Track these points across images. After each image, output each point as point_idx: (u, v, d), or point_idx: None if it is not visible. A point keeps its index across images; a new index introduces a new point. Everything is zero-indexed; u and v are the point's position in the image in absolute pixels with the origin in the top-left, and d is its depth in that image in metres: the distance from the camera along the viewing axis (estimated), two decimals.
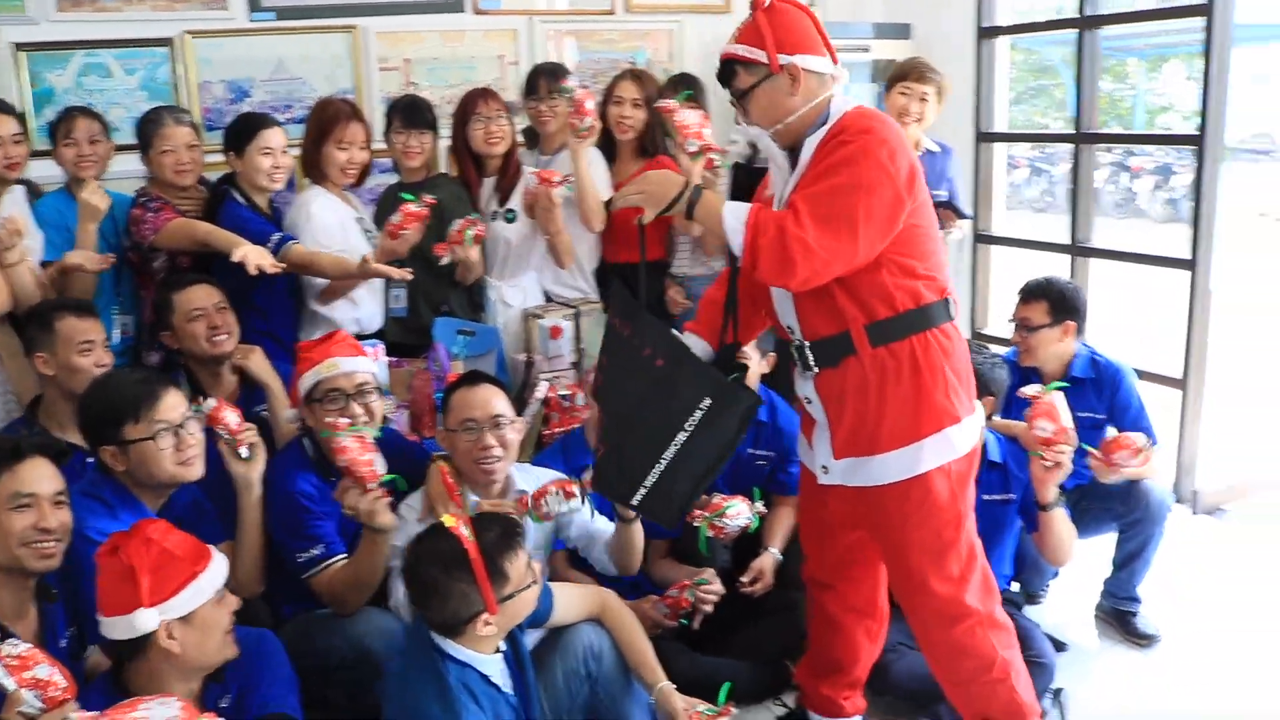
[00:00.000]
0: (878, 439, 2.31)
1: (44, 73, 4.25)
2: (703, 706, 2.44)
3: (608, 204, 3.61)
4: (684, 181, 2.24)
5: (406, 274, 3.26)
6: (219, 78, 4.51)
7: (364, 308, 3.60)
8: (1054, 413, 2.78)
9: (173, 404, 2.51)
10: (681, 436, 2.24)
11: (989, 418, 2.96)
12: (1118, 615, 3.34)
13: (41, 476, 2.20)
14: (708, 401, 2.22)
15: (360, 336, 3.49)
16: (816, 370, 2.35)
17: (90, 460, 2.58)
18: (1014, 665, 2.49)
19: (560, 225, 3.59)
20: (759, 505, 2.80)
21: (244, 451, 2.60)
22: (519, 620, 2.29)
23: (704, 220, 2.22)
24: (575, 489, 2.56)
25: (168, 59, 4.42)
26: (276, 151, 3.50)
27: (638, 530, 2.69)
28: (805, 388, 2.42)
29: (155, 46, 4.40)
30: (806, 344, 2.34)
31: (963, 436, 2.35)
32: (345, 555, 2.61)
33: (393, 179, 3.92)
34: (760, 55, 2.24)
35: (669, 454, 2.25)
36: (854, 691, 2.80)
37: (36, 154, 3.63)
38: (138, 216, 3.34)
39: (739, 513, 2.75)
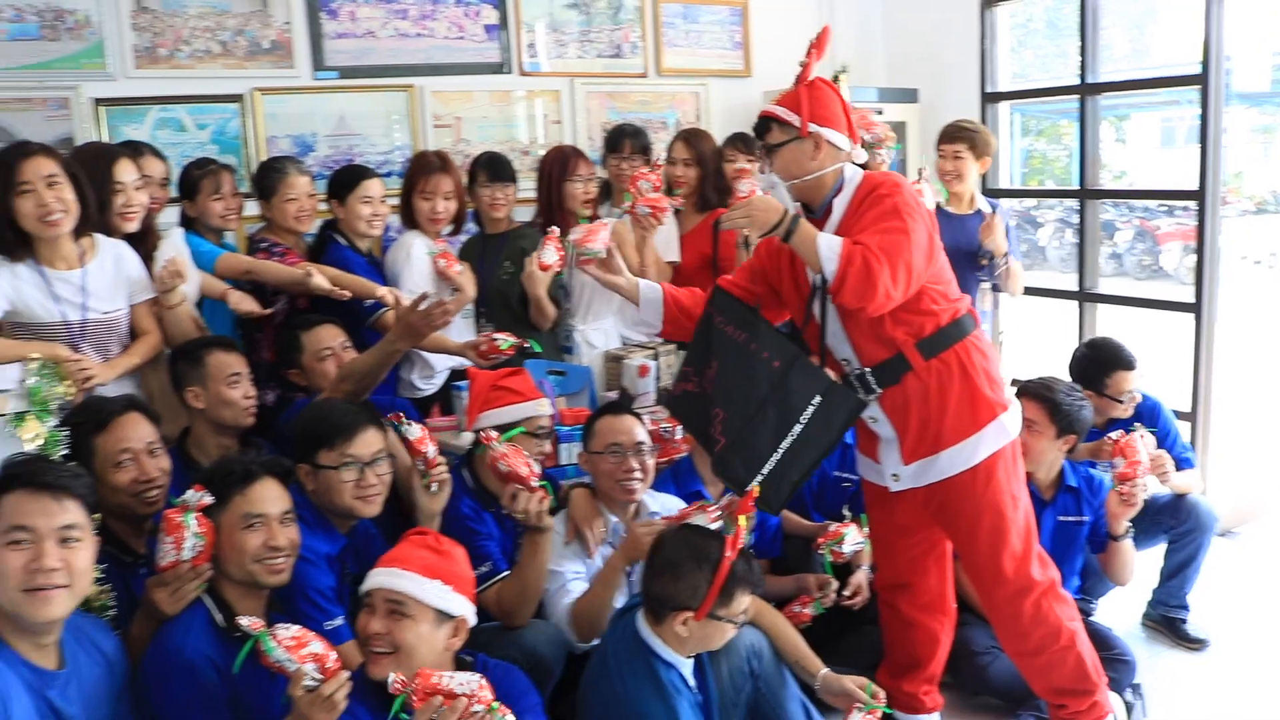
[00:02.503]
0: (941, 437, 2.69)
1: (121, 126, 4.46)
2: (868, 685, 2.75)
3: (714, 228, 3.86)
4: (784, 210, 2.58)
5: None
6: (284, 132, 4.76)
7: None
8: (1130, 450, 3.13)
9: (368, 441, 2.69)
10: (797, 429, 2.58)
11: (1070, 451, 3.31)
12: (1167, 622, 3.67)
13: (270, 497, 2.38)
14: (818, 399, 2.57)
15: (456, 375, 3.75)
16: (879, 391, 2.69)
17: None
18: (1079, 635, 2.82)
19: (651, 257, 3.85)
20: (865, 530, 3.13)
21: (434, 487, 2.78)
22: (705, 646, 2.51)
23: (800, 246, 2.56)
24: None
25: (238, 114, 4.66)
26: (375, 200, 3.75)
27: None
28: (869, 409, 2.74)
29: (226, 103, 4.64)
30: (866, 370, 2.69)
31: (1012, 421, 2.76)
32: (509, 572, 2.83)
33: None
34: (794, 119, 2.65)
35: (785, 444, 2.59)
36: (932, 687, 3.09)
37: None
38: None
39: (854, 539, 3.18)
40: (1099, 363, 3.70)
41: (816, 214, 2.72)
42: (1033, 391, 3.27)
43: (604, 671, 2.52)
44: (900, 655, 3.04)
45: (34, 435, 2.20)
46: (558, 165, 3.99)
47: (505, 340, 3.41)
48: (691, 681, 2.54)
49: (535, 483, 2.72)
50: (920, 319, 2.66)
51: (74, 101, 4.35)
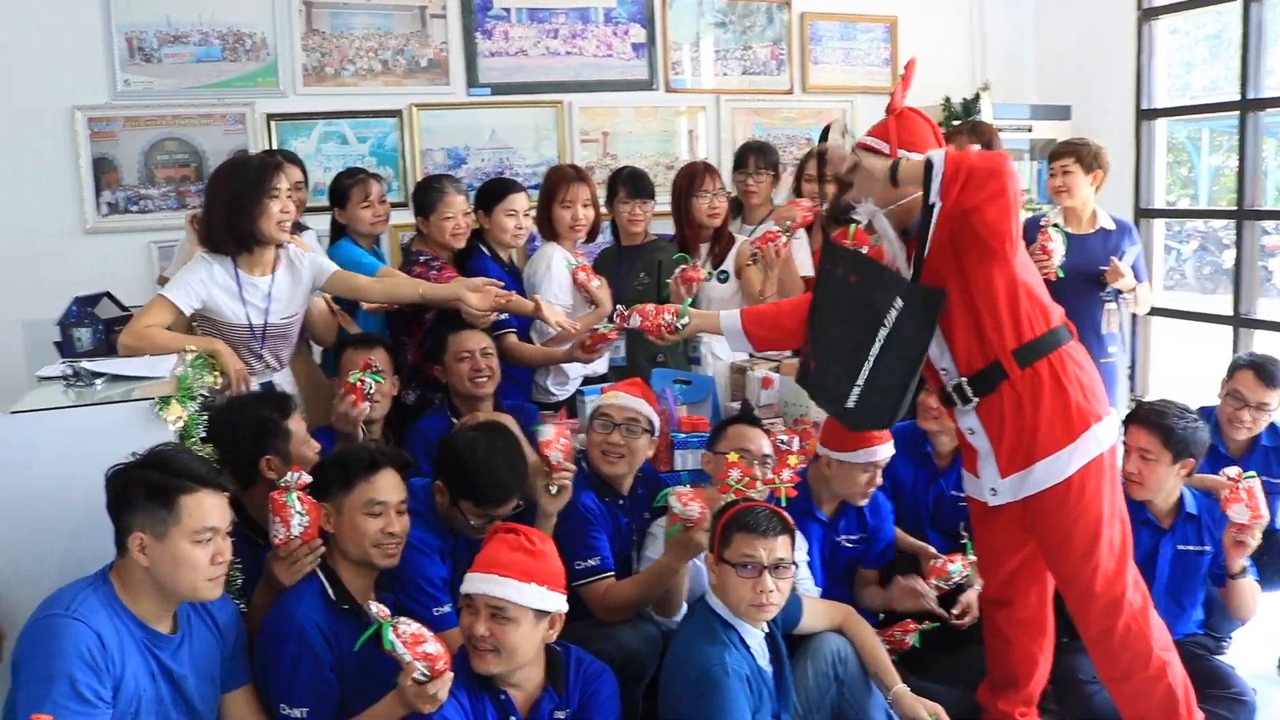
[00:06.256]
0: (1035, 448, 2.68)
1: (290, 139, 4.78)
2: (934, 716, 2.75)
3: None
4: (884, 166, 2.63)
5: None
6: (439, 145, 5.02)
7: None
8: (1253, 500, 3.04)
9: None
10: (882, 333, 2.59)
11: (1188, 475, 3.23)
12: None
13: (391, 486, 2.57)
14: (899, 301, 2.58)
15: (588, 380, 3.90)
16: (976, 400, 2.71)
17: None
18: (1171, 666, 2.76)
19: (774, 287, 3.94)
20: (970, 557, 3.18)
21: (553, 489, 2.89)
22: (738, 602, 2.56)
23: (907, 175, 2.58)
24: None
25: (396, 128, 4.93)
26: (519, 213, 3.91)
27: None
28: (967, 420, 2.77)
29: (385, 117, 4.93)
30: (964, 380, 2.71)
31: (1106, 431, 2.72)
32: (614, 573, 2.94)
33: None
34: (884, 146, 2.69)
35: (874, 350, 2.61)
36: (1029, 710, 3.05)
37: None
38: (419, 275, 3.70)
39: (958, 571, 3.24)
40: (1241, 365, 3.61)
41: (909, 237, 2.76)
42: (1143, 418, 3.20)
43: (676, 636, 2.70)
44: (999, 672, 3.04)
45: (177, 418, 2.43)
46: (685, 181, 4.09)
47: (606, 325, 3.49)
48: (760, 653, 2.63)
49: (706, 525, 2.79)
50: (1019, 325, 2.67)
51: (249, 117, 4.69)
